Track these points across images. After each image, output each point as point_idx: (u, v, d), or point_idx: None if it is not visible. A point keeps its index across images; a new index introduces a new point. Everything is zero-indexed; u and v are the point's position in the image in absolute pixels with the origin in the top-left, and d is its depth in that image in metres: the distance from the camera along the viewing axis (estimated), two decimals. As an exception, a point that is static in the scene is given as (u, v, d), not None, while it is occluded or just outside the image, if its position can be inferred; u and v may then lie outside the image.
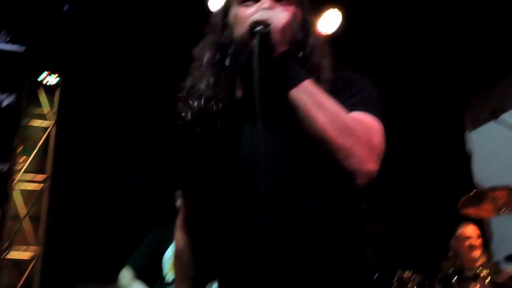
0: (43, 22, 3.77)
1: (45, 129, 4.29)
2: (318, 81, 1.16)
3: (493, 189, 3.23)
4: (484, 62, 4.49)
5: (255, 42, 1.09)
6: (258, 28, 1.10)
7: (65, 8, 3.64)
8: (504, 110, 3.60)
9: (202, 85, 1.22)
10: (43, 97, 4.29)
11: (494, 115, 3.43)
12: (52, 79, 4.25)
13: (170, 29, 3.65)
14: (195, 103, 1.21)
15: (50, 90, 4.32)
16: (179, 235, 1.35)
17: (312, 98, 1.10)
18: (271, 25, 1.10)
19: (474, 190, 3.32)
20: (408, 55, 4.27)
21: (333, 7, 3.80)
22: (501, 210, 3.22)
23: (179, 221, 1.36)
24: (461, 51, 4.35)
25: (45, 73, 4.22)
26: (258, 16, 1.12)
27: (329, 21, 3.80)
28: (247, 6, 1.20)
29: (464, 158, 5.01)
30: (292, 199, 1.12)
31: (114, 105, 4.19)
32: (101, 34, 3.80)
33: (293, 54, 1.15)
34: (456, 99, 5.06)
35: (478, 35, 4.12)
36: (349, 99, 1.15)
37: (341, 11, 3.80)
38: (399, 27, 3.91)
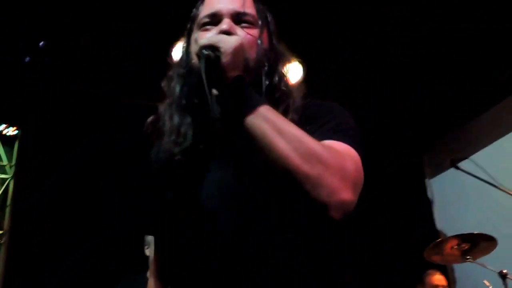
0: (1, 74, 3.70)
1: (3, 181, 4.18)
2: (287, 110, 1.11)
3: (458, 236, 3.33)
4: (442, 111, 4.57)
5: (201, 67, 1.02)
6: (206, 52, 1.03)
7: (26, 59, 3.57)
8: (463, 158, 3.70)
9: (171, 126, 1.16)
10: (1, 150, 4.20)
11: (453, 162, 3.51)
12: (10, 131, 4.15)
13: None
14: (164, 148, 1.17)
15: (8, 142, 4.20)
16: (152, 283, 1.32)
17: (270, 124, 1.00)
18: (221, 49, 1.04)
19: (440, 238, 3.45)
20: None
21: (294, 60, 3.79)
22: (467, 256, 3.31)
23: (152, 268, 1.33)
24: (418, 100, 4.38)
25: (3, 125, 4.13)
26: (205, 41, 1.07)
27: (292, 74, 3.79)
28: (207, 30, 1.18)
29: (425, 205, 5.08)
30: (257, 235, 1.08)
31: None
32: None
33: (247, 79, 1.08)
34: (416, 147, 5.12)
35: (436, 86, 4.18)
36: (320, 128, 1.08)
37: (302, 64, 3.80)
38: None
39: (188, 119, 1.16)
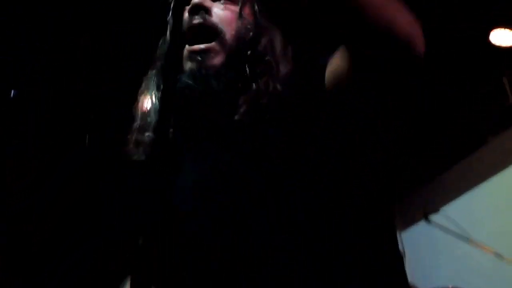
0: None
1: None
2: (273, 78, 1.09)
3: None
4: (413, 164, 4.59)
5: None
6: None
7: (13, 93, 3.53)
8: (435, 211, 3.72)
9: (145, 116, 1.15)
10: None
11: (425, 216, 3.53)
12: None
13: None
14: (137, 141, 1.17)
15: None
16: None
17: None
18: None
19: None
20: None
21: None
22: None
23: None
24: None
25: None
26: None
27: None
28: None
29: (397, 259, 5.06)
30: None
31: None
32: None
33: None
34: (388, 199, 5.11)
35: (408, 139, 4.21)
36: None
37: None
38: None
39: (156, 108, 1.14)
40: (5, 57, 3.82)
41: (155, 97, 1.18)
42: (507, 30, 3.66)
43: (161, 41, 1.28)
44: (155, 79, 1.20)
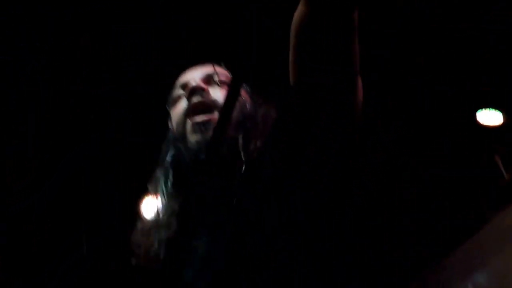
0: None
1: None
2: (262, 136, 1.16)
3: None
4: (417, 249, 4.60)
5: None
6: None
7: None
8: None
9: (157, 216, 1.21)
10: None
11: None
12: None
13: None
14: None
15: None
16: None
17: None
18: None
19: None
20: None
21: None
22: None
23: None
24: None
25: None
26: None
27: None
28: (177, 101, 1.25)
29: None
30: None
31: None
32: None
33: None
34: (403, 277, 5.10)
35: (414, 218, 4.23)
36: None
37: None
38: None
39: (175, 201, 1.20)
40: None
41: (165, 196, 1.23)
42: (492, 110, 3.87)
43: (163, 145, 1.32)
44: (163, 182, 1.25)
